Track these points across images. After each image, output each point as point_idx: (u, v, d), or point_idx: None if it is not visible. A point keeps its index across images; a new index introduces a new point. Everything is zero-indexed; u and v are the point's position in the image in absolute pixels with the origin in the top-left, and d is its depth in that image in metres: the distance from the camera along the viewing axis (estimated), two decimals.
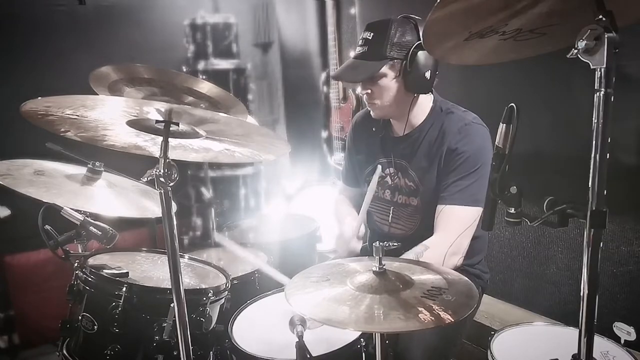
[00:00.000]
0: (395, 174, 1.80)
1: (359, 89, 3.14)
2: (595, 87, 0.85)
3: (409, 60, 1.62)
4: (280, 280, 1.69)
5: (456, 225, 1.61)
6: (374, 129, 1.86)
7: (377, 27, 1.65)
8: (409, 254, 1.58)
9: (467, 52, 1.10)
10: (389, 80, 1.66)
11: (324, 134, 3.55)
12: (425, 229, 1.68)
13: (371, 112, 1.78)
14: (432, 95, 1.76)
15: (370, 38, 1.65)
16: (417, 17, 1.66)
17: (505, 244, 2.41)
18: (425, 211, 1.73)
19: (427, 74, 1.64)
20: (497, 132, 0.99)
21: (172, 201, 1.15)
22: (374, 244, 1.19)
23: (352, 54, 1.73)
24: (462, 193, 1.62)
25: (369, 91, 1.70)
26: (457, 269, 1.58)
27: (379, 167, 1.80)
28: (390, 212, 1.83)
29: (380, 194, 1.85)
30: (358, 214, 1.98)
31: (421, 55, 1.61)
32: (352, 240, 1.74)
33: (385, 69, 1.64)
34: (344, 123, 3.25)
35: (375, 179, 1.76)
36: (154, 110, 1.06)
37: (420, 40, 1.61)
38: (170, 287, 1.17)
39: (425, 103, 1.74)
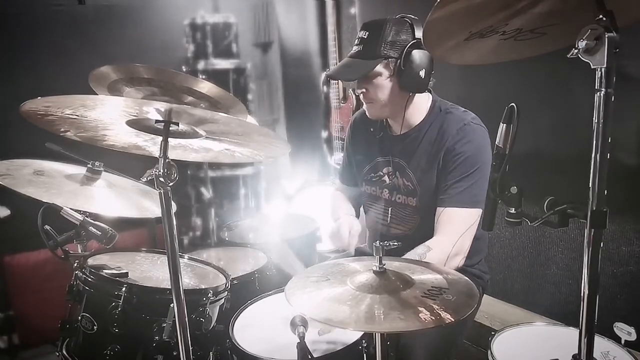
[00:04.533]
0: (393, 173, 1.80)
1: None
2: (596, 87, 0.84)
3: (403, 58, 1.62)
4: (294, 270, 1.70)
5: (457, 227, 1.61)
6: (372, 129, 1.86)
7: (372, 26, 1.66)
8: (412, 255, 1.57)
9: (467, 52, 1.10)
10: (384, 79, 1.66)
11: (324, 134, 3.55)
12: (424, 229, 1.68)
13: (367, 112, 1.78)
14: (430, 95, 1.76)
15: (365, 37, 1.65)
16: (413, 17, 1.66)
17: (506, 244, 2.41)
18: (424, 212, 1.72)
19: (422, 73, 1.64)
20: (497, 132, 0.99)
21: (172, 201, 1.15)
22: (374, 244, 1.19)
23: (348, 53, 1.74)
24: (462, 195, 1.61)
25: (364, 90, 1.70)
26: (459, 269, 1.58)
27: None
28: (389, 212, 1.83)
29: (379, 193, 1.85)
30: (354, 211, 1.99)
31: (416, 54, 1.61)
32: (347, 239, 1.74)
33: (379, 68, 1.64)
34: (344, 123, 3.24)
35: None
36: (153, 110, 1.06)
37: (415, 39, 1.62)
38: (170, 287, 1.16)
39: (422, 103, 1.74)
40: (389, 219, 1.83)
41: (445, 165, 1.66)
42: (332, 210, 2.01)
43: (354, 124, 1.99)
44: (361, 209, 2.07)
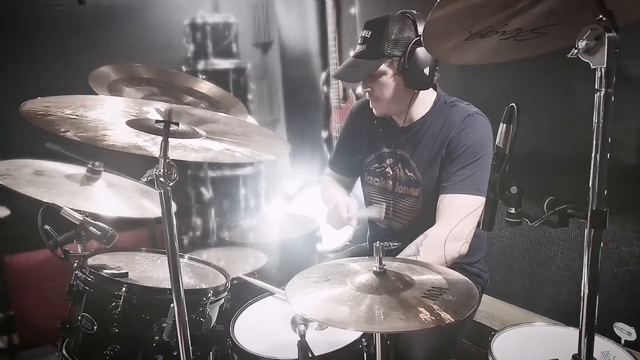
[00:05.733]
0: (395, 164, 1.80)
1: (359, 89, 3.16)
2: (596, 87, 0.85)
3: (407, 57, 1.62)
4: (270, 289, 1.70)
5: (457, 212, 1.61)
6: (375, 121, 1.85)
7: (375, 25, 1.66)
8: (410, 247, 1.58)
9: (467, 52, 1.10)
10: (388, 78, 1.67)
11: (324, 134, 3.55)
12: (424, 220, 1.68)
13: (373, 110, 1.78)
14: (435, 89, 1.76)
15: (368, 36, 1.65)
16: (415, 12, 1.66)
17: (506, 244, 2.41)
18: (426, 202, 1.73)
19: (426, 70, 1.65)
20: (497, 132, 0.99)
21: (172, 201, 1.15)
22: (374, 244, 1.19)
23: (352, 52, 1.74)
24: (464, 182, 1.62)
25: (370, 89, 1.71)
26: (458, 267, 1.58)
27: (380, 208, 1.84)
28: (391, 205, 1.83)
29: (382, 184, 1.86)
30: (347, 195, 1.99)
31: (420, 51, 1.61)
32: (345, 217, 1.76)
33: (384, 67, 1.65)
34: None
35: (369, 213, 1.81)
36: (153, 110, 1.06)
37: (418, 35, 1.62)
38: (170, 287, 1.16)
39: (427, 97, 1.75)
40: (391, 211, 1.84)
41: (449, 155, 1.67)
42: (325, 194, 2.00)
43: (354, 113, 1.98)
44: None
